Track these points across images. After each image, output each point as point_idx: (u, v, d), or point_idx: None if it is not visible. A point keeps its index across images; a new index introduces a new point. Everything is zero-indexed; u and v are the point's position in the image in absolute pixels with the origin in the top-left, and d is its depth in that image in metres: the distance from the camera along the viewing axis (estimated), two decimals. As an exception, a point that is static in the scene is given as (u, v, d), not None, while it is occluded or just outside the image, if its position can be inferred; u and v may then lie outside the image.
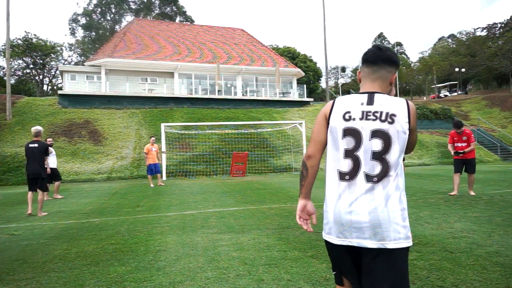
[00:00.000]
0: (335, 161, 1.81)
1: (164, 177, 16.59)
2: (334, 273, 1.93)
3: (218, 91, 27.87)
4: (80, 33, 52.06)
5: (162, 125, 18.36)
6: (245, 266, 3.78)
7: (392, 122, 1.74)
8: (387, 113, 1.75)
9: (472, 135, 8.67)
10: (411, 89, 59.98)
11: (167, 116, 23.41)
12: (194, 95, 27.12)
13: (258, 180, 14.51)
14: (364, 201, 1.72)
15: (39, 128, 8.12)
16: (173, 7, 54.79)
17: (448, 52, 54.07)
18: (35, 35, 42.00)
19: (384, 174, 1.73)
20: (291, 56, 43.83)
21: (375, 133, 1.74)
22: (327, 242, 1.86)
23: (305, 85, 33.24)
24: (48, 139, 11.50)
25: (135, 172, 18.60)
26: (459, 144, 8.67)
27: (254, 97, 29.04)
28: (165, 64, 28.32)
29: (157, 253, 4.39)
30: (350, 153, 1.78)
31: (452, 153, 8.64)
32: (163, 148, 16.91)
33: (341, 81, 61.70)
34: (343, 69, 64.29)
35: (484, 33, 50.88)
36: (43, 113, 22.41)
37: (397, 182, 1.75)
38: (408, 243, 1.72)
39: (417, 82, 59.47)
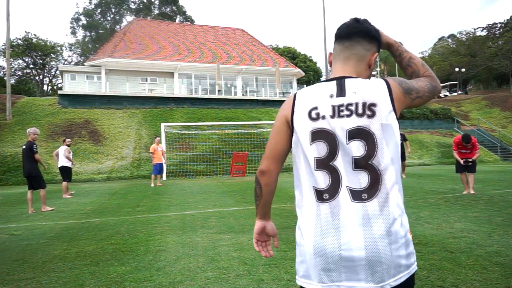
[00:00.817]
0: (308, 175, 1.37)
1: (164, 177, 16.59)
2: None
3: (218, 91, 27.87)
4: (80, 33, 52.16)
5: (162, 125, 18.35)
6: (245, 266, 3.78)
7: (372, 115, 1.31)
8: (364, 104, 1.32)
9: (477, 143, 8.70)
10: (411, 89, 59.82)
11: (167, 116, 23.40)
12: (194, 95, 27.12)
13: (258, 180, 14.50)
14: (356, 229, 1.27)
15: (29, 129, 8.56)
16: (173, 7, 54.79)
17: (448, 52, 54.08)
18: (35, 35, 42.08)
19: (375, 187, 1.29)
20: (291, 56, 43.85)
21: (353, 133, 1.31)
22: None
23: (305, 85, 33.25)
24: (67, 140, 12.14)
25: (135, 172, 18.60)
26: (463, 151, 8.69)
27: (254, 97, 29.04)
28: (165, 64, 28.32)
29: (157, 253, 4.39)
30: (323, 163, 1.33)
31: (462, 162, 8.61)
32: (164, 148, 16.90)
33: (341, 81, 61.70)
34: (343, 69, 64.27)
35: (484, 33, 50.88)
36: (43, 113, 22.40)
37: (396, 195, 1.31)
38: (413, 268, 1.33)
39: (417, 82, 59.31)
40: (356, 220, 1.28)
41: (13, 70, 40.22)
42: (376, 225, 1.27)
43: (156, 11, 54.95)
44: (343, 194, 1.30)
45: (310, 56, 46.91)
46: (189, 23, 48.75)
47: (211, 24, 40.56)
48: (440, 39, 65.10)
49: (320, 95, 1.39)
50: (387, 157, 1.31)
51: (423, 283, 3.18)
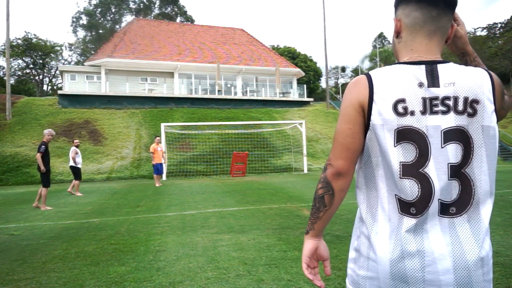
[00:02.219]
0: (388, 180, 1.11)
1: (164, 177, 16.60)
2: None
3: (218, 91, 27.87)
4: (80, 32, 52.18)
5: (162, 125, 18.36)
6: (245, 266, 3.78)
7: (473, 114, 1.07)
8: (465, 99, 1.07)
9: None
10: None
11: (167, 116, 23.41)
12: (194, 95, 27.12)
13: (258, 180, 14.51)
14: (445, 249, 1.06)
15: (45, 130, 9.11)
16: (174, 7, 54.81)
17: (448, 52, 53.86)
18: (35, 35, 42.01)
19: (466, 200, 1.08)
20: (291, 56, 43.83)
21: (450, 135, 1.07)
22: None
23: (305, 85, 33.24)
24: (75, 141, 12.59)
25: (135, 172, 18.60)
26: None
27: (254, 97, 29.03)
28: (165, 64, 28.31)
29: (157, 253, 4.39)
30: (411, 170, 1.08)
31: None
32: (163, 148, 16.91)
33: (341, 81, 61.72)
34: (343, 69, 64.28)
35: (484, 33, 50.91)
36: (43, 113, 22.40)
37: (488, 211, 1.11)
38: None
39: (417, 82, 59.43)
40: (443, 238, 1.07)
41: (13, 70, 40.20)
42: (467, 245, 1.06)
43: (157, 11, 54.97)
44: (433, 208, 1.07)
45: (310, 56, 46.88)
46: (189, 23, 48.76)
47: (211, 24, 40.58)
48: (440, 39, 65.08)
49: (407, 83, 1.09)
50: (484, 165, 1.09)
51: (423, 283, 3.18)
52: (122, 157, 19.79)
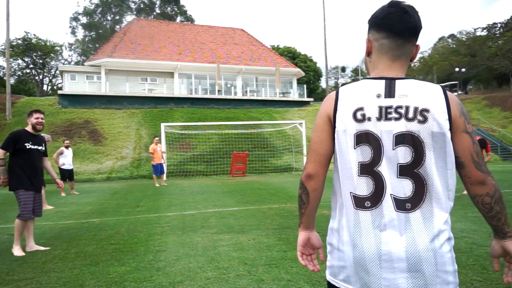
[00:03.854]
0: (348, 180, 1.28)
1: (164, 177, 16.59)
2: None
3: (218, 91, 27.87)
4: (80, 32, 52.18)
5: (162, 125, 18.35)
6: (245, 266, 3.78)
7: (424, 121, 1.22)
8: (415, 108, 1.23)
9: (489, 145, 8.73)
10: (411, 89, 59.88)
11: (167, 116, 23.41)
12: (194, 95, 27.11)
13: (258, 180, 14.51)
14: (399, 241, 1.20)
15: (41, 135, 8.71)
16: (174, 7, 54.80)
17: (448, 52, 54.07)
18: (34, 35, 41.98)
19: (419, 197, 1.22)
20: (291, 56, 43.85)
21: (401, 138, 1.23)
22: None
23: (305, 85, 33.24)
24: (65, 141, 12.49)
25: (135, 172, 18.60)
26: None
27: (254, 97, 29.03)
28: (165, 64, 28.31)
29: (157, 253, 4.39)
30: (367, 169, 1.25)
31: None
32: (163, 148, 16.91)
33: (341, 81, 61.73)
34: (343, 69, 64.31)
35: (484, 33, 50.88)
36: (43, 113, 22.39)
37: (442, 205, 1.23)
38: None
39: (417, 82, 59.37)
40: (399, 230, 1.21)
41: (13, 70, 40.20)
42: (419, 237, 1.20)
43: (157, 11, 54.95)
44: (387, 203, 1.23)
45: (310, 56, 46.93)
46: (189, 23, 48.76)
47: (211, 24, 40.58)
48: (440, 39, 65.09)
49: (367, 94, 1.28)
50: (434, 167, 1.22)
51: (423, 283, 3.18)
52: (122, 157, 19.79)
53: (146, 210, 7.92)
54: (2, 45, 37.76)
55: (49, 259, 4.32)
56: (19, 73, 42.84)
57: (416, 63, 61.65)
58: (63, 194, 11.41)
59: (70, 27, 51.58)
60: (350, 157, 1.27)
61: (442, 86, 1.29)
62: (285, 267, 3.70)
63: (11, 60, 36.54)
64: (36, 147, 4.87)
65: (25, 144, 4.74)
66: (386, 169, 1.23)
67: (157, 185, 13.58)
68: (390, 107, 1.24)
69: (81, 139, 20.57)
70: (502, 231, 1.28)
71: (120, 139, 21.16)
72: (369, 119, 1.25)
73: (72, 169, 12.16)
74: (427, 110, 1.22)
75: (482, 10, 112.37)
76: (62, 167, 11.67)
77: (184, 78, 29.47)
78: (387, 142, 1.23)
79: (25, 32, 49.73)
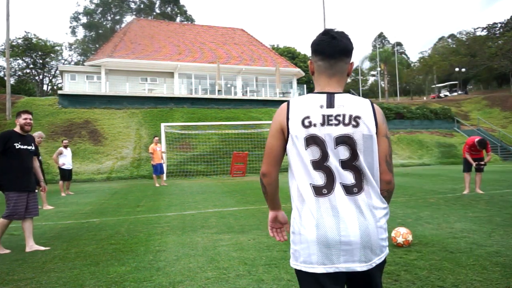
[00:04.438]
0: (305, 174, 1.56)
1: (164, 177, 16.60)
2: None
3: (218, 91, 27.86)
4: (81, 32, 52.16)
5: (162, 125, 18.34)
6: (245, 266, 3.78)
7: (356, 126, 1.54)
8: (350, 116, 1.55)
9: (489, 145, 8.72)
10: (411, 89, 59.96)
11: (167, 116, 23.40)
12: (194, 95, 27.11)
13: (258, 180, 14.48)
14: (352, 218, 1.49)
15: (34, 133, 8.68)
16: (174, 7, 54.78)
17: (448, 52, 54.07)
18: (35, 35, 41.96)
19: (361, 183, 1.54)
20: (291, 56, 43.86)
21: (340, 140, 1.54)
22: (303, 274, 1.55)
23: (305, 85, 33.23)
24: (64, 141, 12.48)
25: (135, 172, 18.60)
26: (473, 153, 8.71)
27: (254, 97, 29.02)
28: (165, 64, 28.31)
29: (157, 253, 4.39)
30: (319, 165, 1.54)
31: (474, 165, 8.60)
32: (163, 148, 16.92)
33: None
34: (343, 69, 64.19)
35: (484, 33, 50.89)
36: (43, 113, 22.40)
37: (377, 190, 1.58)
38: (386, 253, 1.59)
39: (417, 82, 59.45)
40: (351, 210, 1.51)
41: (13, 70, 40.17)
42: (367, 214, 1.52)
43: (157, 11, 54.93)
44: (338, 189, 1.53)
45: (310, 56, 46.93)
46: (189, 23, 48.74)
47: (211, 24, 40.58)
48: (440, 39, 65.10)
49: (312, 105, 1.58)
50: (368, 160, 1.57)
51: (423, 283, 3.18)
52: (122, 157, 19.79)
53: (146, 210, 7.92)
54: (2, 45, 37.76)
55: (49, 259, 4.32)
56: (19, 73, 42.83)
57: (416, 63, 61.69)
58: (63, 194, 11.42)
59: (70, 27, 51.60)
60: (304, 156, 1.56)
61: (370, 100, 1.65)
62: (285, 267, 3.70)
63: (11, 60, 36.54)
64: (25, 147, 4.91)
65: (15, 144, 4.78)
66: (333, 164, 1.54)
67: (157, 185, 13.60)
68: (331, 115, 1.56)
69: (81, 139, 20.57)
70: None
71: (120, 139, 21.16)
72: (314, 125, 1.55)
73: (71, 169, 12.17)
74: (359, 117, 1.56)
75: (482, 10, 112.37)
76: (63, 167, 11.67)
77: (184, 78, 29.46)
78: (330, 143, 1.55)
79: (25, 32, 49.72)
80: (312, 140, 1.55)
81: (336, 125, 1.55)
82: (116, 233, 5.63)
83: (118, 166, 19.02)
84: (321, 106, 1.57)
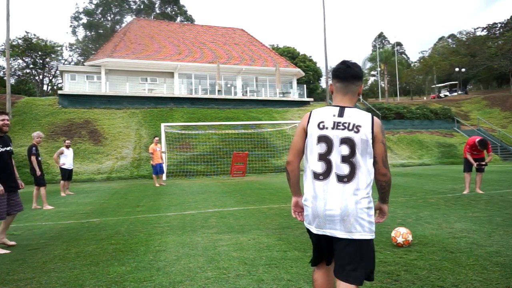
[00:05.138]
0: (311, 162, 2.15)
1: (164, 177, 16.60)
2: (312, 256, 2.32)
3: (218, 91, 27.86)
4: (81, 32, 52.15)
5: (162, 125, 18.34)
6: (245, 266, 3.78)
7: (357, 132, 2.08)
8: (353, 124, 2.10)
9: (490, 145, 8.72)
10: (411, 89, 59.96)
11: (167, 116, 23.40)
12: (194, 95, 27.10)
13: (258, 180, 14.51)
14: (337, 199, 2.06)
15: (33, 133, 8.95)
16: (174, 7, 54.76)
17: (448, 52, 54.05)
18: (35, 35, 41.95)
19: (352, 175, 2.06)
20: (291, 56, 43.83)
21: (344, 140, 2.08)
22: (308, 230, 2.24)
23: (305, 85, 33.22)
24: (66, 141, 12.47)
25: (135, 172, 18.60)
26: (474, 153, 8.71)
27: (254, 97, 29.02)
28: (165, 64, 28.30)
29: (157, 253, 4.39)
30: (323, 157, 2.11)
31: (475, 165, 8.60)
32: (163, 148, 16.92)
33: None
34: (343, 69, 64.18)
35: (484, 33, 50.87)
36: (43, 113, 22.40)
37: (365, 181, 2.08)
38: (371, 236, 2.08)
39: (417, 82, 59.44)
40: (338, 194, 2.07)
41: (13, 70, 40.14)
42: (350, 198, 2.05)
43: (157, 11, 54.91)
44: (332, 177, 2.09)
45: (310, 56, 46.88)
46: (189, 23, 48.73)
47: (211, 24, 40.56)
48: (440, 39, 65.09)
49: (327, 114, 2.18)
50: (361, 159, 2.08)
51: (423, 283, 3.18)
52: (122, 157, 19.79)
53: (146, 210, 7.92)
54: (2, 45, 37.75)
55: (49, 259, 4.32)
56: (19, 73, 42.80)
57: (416, 64, 61.65)
58: (63, 194, 11.43)
59: (71, 26, 51.58)
60: (314, 149, 2.15)
61: (371, 114, 2.14)
62: (285, 267, 3.70)
63: (11, 60, 36.54)
64: (5, 148, 5.10)
65: None
66: (334, 158, 2.10)
67: (157, 185, 13.61)
68: (340, 122, 2.12)
69: (81, 139, 20.57)
70: (384, 199, 2.30)
71: (120, 139, 21.16)
72: (326, 128, 2.14)
73: (72, 169, 12.18)
74: (360, 126, 2.09)
75: (482, 10, 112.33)
76: (63, 166, 11.69)
77: (184, 78, 29.46)
78: (336, 142, 2.10)
79: (25, 32, 49.73)
80: (323, 139, 2.13)
81: (342, 129, 2.10)
82: (116, 233, 5.63)
83: (118, 166, 19.01)
84: (334, 115, 2.15)
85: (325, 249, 2.19)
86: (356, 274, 2.02)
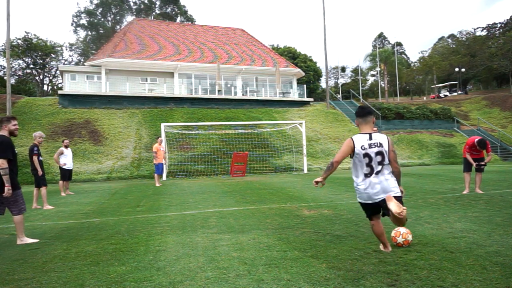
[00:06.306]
0: (361, 168, 4.00)
1: (164, 177, 16.61)
2: (367, 215, 4.17)
3: (218, 91, 27.86)
4: (81, 32, 52.14)
5: (162, 125, 18.35)
6: (245, 266, 3.78)
7: (381, 147, 3.97)
8: (379, 143, 3.98)
9: (489, 145, 8.72)
10: (411, 89, 59.96)
11: (167, 116, 23.41)
12: (194, 95, 27.11)
13: (258, 180, 14.51)
14: (377, 184, 3.95)
15: (34, 133, 9.08)
16: (174, 7, 54.76)
17: (448, 52, 54.06)
18: (35, 35, 41.95)
19: (382, 171, 3.99)
20: (291, 56, 43.80)
21: (377, 153, 3.96)
22: (361, 203, 4.14)
23: (305, 85, 33.22)
24: (65, 141, 12.48)
25: (135, 172, 18.60)
26: (474, 153, 8.71)
27: (254, 97, 29.03)
28: (165, 64, 28.31)
29: (157, 253, 4.39)
30: (368, 165, 3.97)
31: (475, 165, 8.60)
32: (164, 149, 16.92)
33: (341, 81, 61.69)
34: (343, 69, 64.23)
35: (484, 33, 50.90)
36: (43, 113, 22.41)
37: (388, 171, 4.02)
38: (398, 194, 3.94)
39: (417, 82, 59.45)
40: (377, 181, 3.96)
41: (13, 70, 40.15)
42: (383, 181, 3.97)
43: (157, 11, 54.89)
44: (374, 174, 3.97)
45: (310, 56, 46.81)
46: (189, 23, 48.74)
47: (211, 24, 40.56)
48: (440, 39, 65.10)
49: (363, 139, 4.01)
50: (386, 163, 4.01)
51: (423, 283, 3.18)
52: (122, 157, 19.79)
53: (146, 210, 7.93)
54: (2, 45, 37.77)
55: (49, 259, 4.32)
56: (20, 73, 42.81)
57: (416, 64, 61.67)
58: (63, 194, 11.44)
59: (73, 24, 51.56)
60: (362, 161, 3.99)
61: (387, 136, 4.07)
62: (285, 267, 3.70)
63: (12, 60, 36.53)
64: (16, 150, 5.21)
65: None
66: (374, 164, 3.98)
67: (157, 184, 13.64)
68: (372, 143, 3.99)
69: (81, 139, 20.57)
70: (398, 182, 4.08)
71: (120, 139, 21.17)
72: (365, 148, 3.98)
73: (71, 169, 12.20)
74: (382, 144, 4.00)
75: (482, 10, 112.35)
76: (64, 167, 11.73)
77: (184, 78, 29.47)
78: (373, 155, 3.97)
79: (25, 32, 49.74)
80: (366, 155, 3.95)
81: (374, 147, 3.96)
82: (116, 233, 5.63)
83: (118, 166, 19.02)
84: (367, 139, 3.99)
85: (375, 209, 4.02)
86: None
